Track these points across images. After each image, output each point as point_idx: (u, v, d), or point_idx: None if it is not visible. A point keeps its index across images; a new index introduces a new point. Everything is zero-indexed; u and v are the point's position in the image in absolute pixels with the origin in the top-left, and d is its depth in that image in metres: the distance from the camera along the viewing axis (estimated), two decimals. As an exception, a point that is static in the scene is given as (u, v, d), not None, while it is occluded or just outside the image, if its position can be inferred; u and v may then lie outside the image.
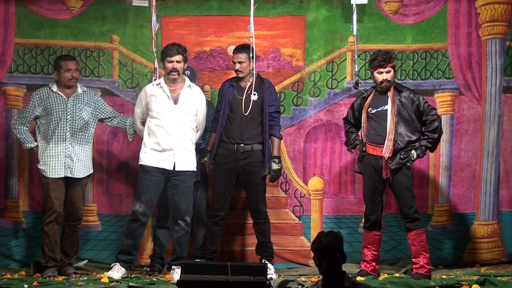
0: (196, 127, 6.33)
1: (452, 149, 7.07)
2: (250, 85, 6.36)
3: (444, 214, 7.11)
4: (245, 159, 6.36)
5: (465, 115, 7.08)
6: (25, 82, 7.02)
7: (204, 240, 6.48)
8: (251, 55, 6.18)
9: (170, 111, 6.16)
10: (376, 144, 6.19)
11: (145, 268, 6.72)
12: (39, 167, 6.34)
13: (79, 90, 6.44)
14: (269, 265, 6.28)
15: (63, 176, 6.29)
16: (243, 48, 6.37)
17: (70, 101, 6.37)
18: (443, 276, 6.24)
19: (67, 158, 6.29)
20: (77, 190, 6.36)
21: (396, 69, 6.35)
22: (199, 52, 7.09)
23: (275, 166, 6.33)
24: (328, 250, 4.14)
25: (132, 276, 6.30)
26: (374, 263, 6.30)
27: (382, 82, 6.19)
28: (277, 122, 6.45)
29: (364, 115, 6.26)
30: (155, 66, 6.20)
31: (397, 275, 6.32)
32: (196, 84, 6.61)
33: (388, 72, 6.17)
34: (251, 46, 6.13)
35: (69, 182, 6.36)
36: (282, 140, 6.59)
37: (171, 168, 6.13)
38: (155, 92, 6.20)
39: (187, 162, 6.19)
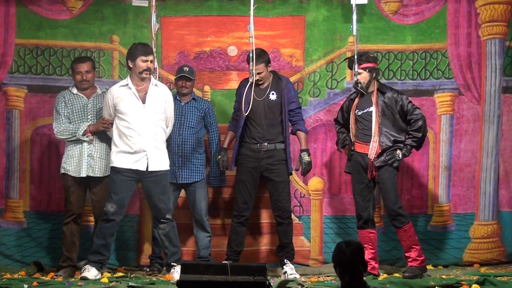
0: (166, 125, 6.27)
1: (452, 149, 7.08)
2: (268, 85, 6.39)
3: (444, 214, 7.11)
4: (269, 158, 6.38)
5: (465, 115, 7.08)
6: (26, 83, 7.03)
7: (229, 241, 6.49)
8: (251, 54, 6.16)
9: (139, 112, 6.08)
10: (363, 143, 6.25)
11: (145, 268, 6.74)
12: (63, 165, 6.35)
13: (99, 91, 6.47)
14: (291, 265, 6.36)
15: (85, 175, 6.32)
16: (259, 57, 6.30)
17: (91, 101, 6.42)
18: (443, 276, 6.25)
19: (89, 157, 6.32)
20: (101, 189, 6.37)
21: (370, 70, 6.25)
22: (199, 53, 7.10)
23: (306, 158, 6.40)
24: (351, 263, 3.93)
25: (132, 276, 6.32)
26: (372, 262, 6.30)
27: (355, 83, 6.27)
28: (300, 117, 6.52)
29: (352, 117, 6.32)
30: (155, 66, 6.20)
31: (397, 275, 6.32)
32: (194, 81, 6.65)
33: (359, 73, 6.21)
34: (252, 45, 6.12)
35: (91, 181, 6.38)
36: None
37: (144, 169, 6.08)
38: (122, 94, 6.12)
39: (160, 162, 6.13)
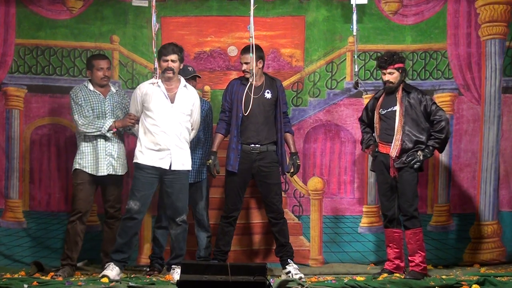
0: (191, 127, 6.32)
1: (452, 149, 7.09)
2: (262, 84, 6.39)
3: (444, 214, 7.12)
4: (261, 160, 6.37)
5: (465, 116, 7.09)
6: (26, 83, 7.03)
7: (217, 240, 6.48)
8: (251, 55, 6.16)
9: (167, 110, 6.14)
10: (386, 143, 6.30)
11: (145, 268, 6.74)
12: (78, 162, 6.34)
13: (113, 89, 6.50)
14: (294, 265, 6.35)
15: (106, 174, 6.34)
16: (250, 48, 6.33)
17: (108, 99, 6.44)
18: (443, 276, 6.25)
19: (108, 156, 6.35)
20: (113, 188, 6.42)
21: (402, 71, 6.30)
22: (199, 53, 7.10)
23: (298, 162, 6.47)
24: None
25: (132, 276, 6.31)
26: (397, 261, 6.37)
27: (385, 82, 6.31)
28: (288, 119, 6.59)
29: (376, 116, 6.37)
30: (155, 66, 6.19)
31: (397, 275, 6.32)
32: (196, 80, 6.66)
33: (390, 73, 6.26)
34: (252, 46, 6.12)
35: (109, 180, 6.40)
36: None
37: (167, 167, 6.13)
38: (151, 91, 6.17)
39: (183, 161, 6.19)
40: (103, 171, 6.34)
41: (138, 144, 6.18)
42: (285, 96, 6.57)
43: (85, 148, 6.37)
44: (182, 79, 6.29)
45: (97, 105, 6.40)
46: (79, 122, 6.34)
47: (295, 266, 6.37)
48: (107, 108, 6.41)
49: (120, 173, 6.42)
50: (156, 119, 6.11)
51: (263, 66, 6.46)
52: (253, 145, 6.37)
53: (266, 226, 7.01)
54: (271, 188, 6.39)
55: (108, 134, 6.31)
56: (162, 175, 6.16)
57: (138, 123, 6.23)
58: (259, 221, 7.06)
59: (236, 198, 6.41)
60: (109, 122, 6.31)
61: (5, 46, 7.00)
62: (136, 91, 6.27)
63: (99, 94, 6.43)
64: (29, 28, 7.02)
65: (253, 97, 6.27)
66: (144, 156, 6.12)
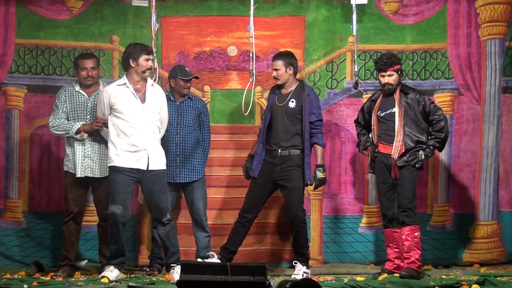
0: (160, 126, 6.27)
1: (452, 149, 7.09)
2: (290, 92, 6.40)
3: (443, 214, 7.12)
4: (282, 164, 6.34)
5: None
6: (26, 83, 7.03)
7: (228, 237, 6.46)
8: (251, 55, 6.16)
9: (139, 111, 6.07)
10: (387, 143, 6.31)
11: (144, 268, 6.73)
12: (65, 163, 6.38)
13: (101, 87, 6.44)
14: (299, 268, 6.30)
15: (83, 176, 6.32)
16: (280, 55, 6.39)
17: (91, 99, 6.41)
18: (443, 276, 6.26)
19: (87, 158, 6.32)
20: (100, 190, 6.38)
21: (401, 72, 6.35)
22: (199, 53, 7.10)
23: (320, 175, 6.34)
24: None
25: (132, 276, 6.32)
26: (398, 261, 6.36)
27: (384, 85, 6.30)
28: (319, 130, 6.41)
29: (374, 118, 6.37)
30: (155, 66, 6.18)
31: (397, 275, 6.33)
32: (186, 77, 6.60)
33: (390, 75, 6.27)
34: (252, 45, 6.12)
35: (93, 182, 6.38)
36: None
37: (145, 168, 6.07)
38: (119, 93, 6.10)
39: (159, 161, 6.14)
40: (81, 172, 6.32)
41: (112, 147, 6.08)
42: (313, 106, 6.37)
43: (68, 150, 6.38)
44: (149, 78, 6.20)
45: (78, 105, 6.38)
46: (50, 124, 6.36)
47: (300, 268, 6.30)
48: (89, 109, 6.38)
49: (98, 176, 6.35)
50: (129, 120, 6.04)
51: (294, 73, 6.43)
52: (275, 150, 6.36)
53: (270, 227, 7.02)
54: (288, 192, 6.35)
55: (78, 137, 6.28)
56: (140, 177, 6.11)
57: (105, 127, 6.17)
58: (262, 221, 7.04)
59: (252, 201, 6.39)
60: (77, 125, 6.28)
61: (5, 46, 7.00)
62: (102, 94, 6.18)
63: (83, 95, 6.40)
64: (29, 28, 7.02)
65: (275, 104, 6.33)
66: (120, 158, 6.05)
